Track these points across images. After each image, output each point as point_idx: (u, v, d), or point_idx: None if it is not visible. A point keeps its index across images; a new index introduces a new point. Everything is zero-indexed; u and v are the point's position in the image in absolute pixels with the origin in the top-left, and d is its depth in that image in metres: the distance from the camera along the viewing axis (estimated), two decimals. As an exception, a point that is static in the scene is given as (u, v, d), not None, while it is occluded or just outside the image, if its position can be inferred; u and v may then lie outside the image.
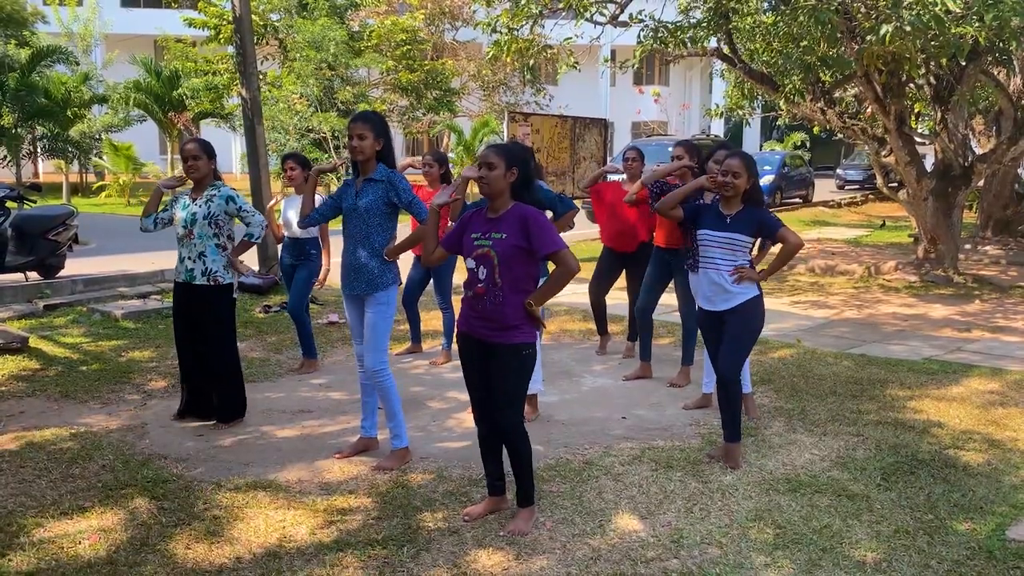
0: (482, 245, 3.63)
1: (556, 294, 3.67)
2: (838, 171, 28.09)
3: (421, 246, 4.07)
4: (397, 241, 4.53)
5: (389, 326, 4.49)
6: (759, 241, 4.92)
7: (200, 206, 4.97)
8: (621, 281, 6.82)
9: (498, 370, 3.65)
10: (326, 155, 19.48)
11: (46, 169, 27.24)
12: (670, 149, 6.06)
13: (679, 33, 10.40)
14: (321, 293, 8.86)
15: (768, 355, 6.86)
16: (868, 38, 7.94)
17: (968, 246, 13.34)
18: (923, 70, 10.15)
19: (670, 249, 5.90)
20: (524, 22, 10.39)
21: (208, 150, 5.05)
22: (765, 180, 20.35)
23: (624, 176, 6.66)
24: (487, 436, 3.84)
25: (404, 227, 4.73)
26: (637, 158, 6.44)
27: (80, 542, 3.59)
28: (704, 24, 10.49)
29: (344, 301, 4.60)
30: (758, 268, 4.69)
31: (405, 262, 5.34)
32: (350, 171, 4.56)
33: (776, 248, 4.71)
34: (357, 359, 4.64)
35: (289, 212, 6.38)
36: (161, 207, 5.16)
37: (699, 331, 5.07)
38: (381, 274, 4.39)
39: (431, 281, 6.81)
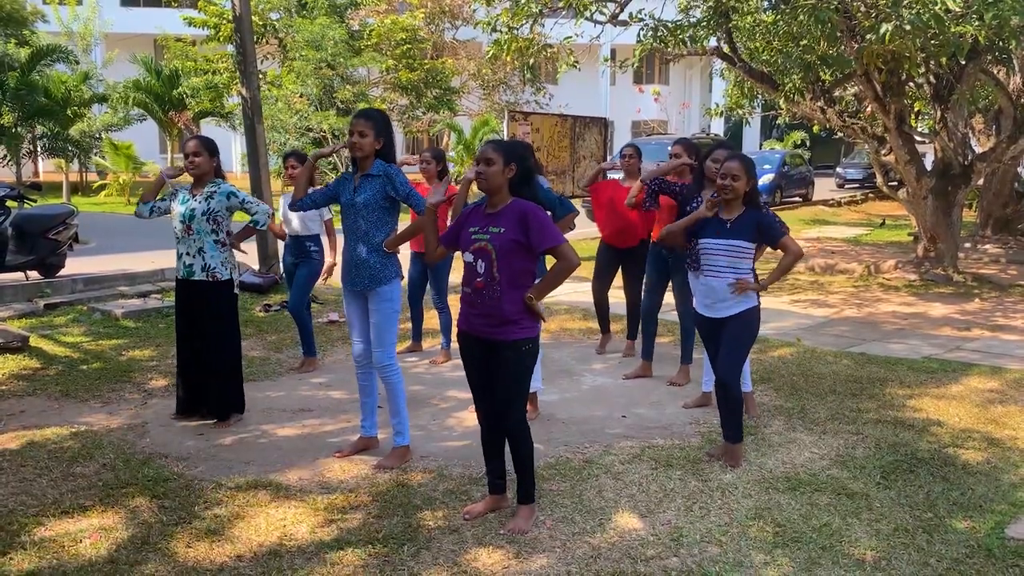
0: (480, 239, 3.63)
1: (556, 288, 3.68)
2: (838, 170, 28.09)
3: (421, 239, 4.07)
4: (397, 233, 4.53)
5: (395, 321, 4.50)
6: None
7: (199, 202, 4.98)
8: (620, 279, 6.82)
9: (499, 367, 3.66)
10: (325, 154, 19.48)
11: (46, 168, 27.24)
12: (669, 148, 6.08)
13: (679, 32, 10.40)
14: (321, 292, 8.87)
15: (768, 354, 6.86)
16: (868, 37, 7.95)
17: (968, 245, 13.34)
18: (923, 69, 10.15)
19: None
20: (524, 21, 10.39)
21: (210, 147, 5.06)
22: (765, 179, 20.37)
23: (621, 173, 6.67)
24: (490, 433, 3.85)
25: (405, 223, 4.72)
26: (634, 155, 6.48)
27: (81, 541, 3.59)
28: (704, 23, 10.49)
29: (344, 296, 4.59)
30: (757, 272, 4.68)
31: (404, 260, 5.34)
32: (350, 167, 4.57)
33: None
34: (355, 358, 4.64)
35: (289, 211, 6.38)
36: (160, 196, 5.17)
37: (697, 332, 5.06)
38: (383, 268, 4.40)
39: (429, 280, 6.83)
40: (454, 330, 4.14)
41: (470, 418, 5.11)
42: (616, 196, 6.47)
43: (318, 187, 5.01)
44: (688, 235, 4.69)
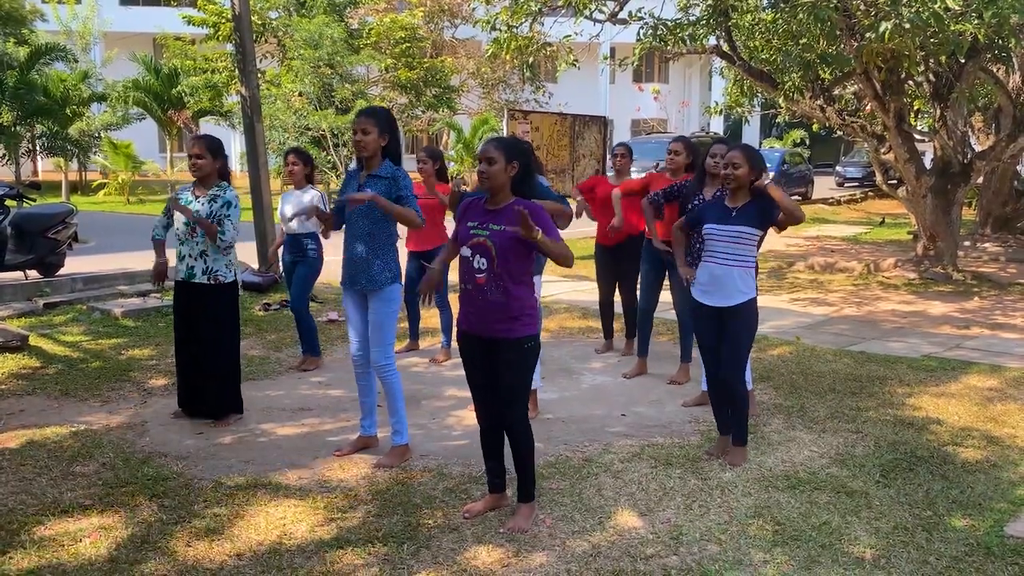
0: (479, 235, 3.62)
1: (549, 253, 3.56)
2: (837, 168, 28.11)
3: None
4: (396, 236, 4.53)
5: (394, 322, 4.49)
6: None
7: (203, 204, 4.96)
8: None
9: (501, 365, 3.65)
10: (324, 153, 19.47)
11: (45, 167, 27.21)
12: (668, 145, 6.11)
13: (678, 31, 10.40)
14: (321, 291, 8.86)
15: (767, 352, 6.86)
16: (867, 35, 7.96)
17: (967, 243, 13.35)
18: (922, 67, 10.15)
19: (667, 242, 5.90)
20: (523, 20, 10.40)
21: (213, 148, 5.02)
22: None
23: (612, 172, 6.76)
24: (489, 433, 3.85)
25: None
26: (625, 154, 6.67)
27: (81, 540, 3.59)
28: (703, 22, 10.49)
29: (344, 296, 4.58)
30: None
31: (403, 260, 5.33)
32: (351, 164, 4.57)
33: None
34: (353, 357, 4.62)
35: (285, 207, 6.37)
36: (163, 207, 5.17)
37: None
38: (382, 270, 4.39)
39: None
40: (454, 329, 4.14)
41: (470, 416, 5.11)
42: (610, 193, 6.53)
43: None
44: (690, 226, 4.70)
